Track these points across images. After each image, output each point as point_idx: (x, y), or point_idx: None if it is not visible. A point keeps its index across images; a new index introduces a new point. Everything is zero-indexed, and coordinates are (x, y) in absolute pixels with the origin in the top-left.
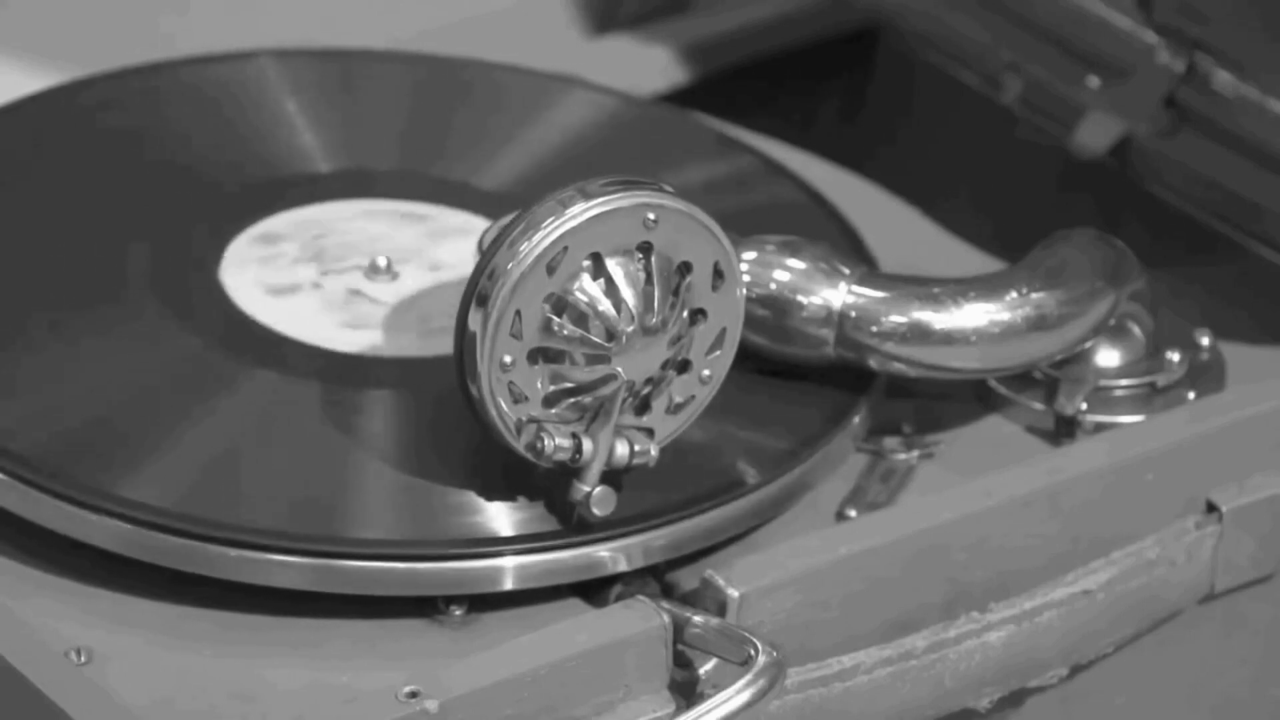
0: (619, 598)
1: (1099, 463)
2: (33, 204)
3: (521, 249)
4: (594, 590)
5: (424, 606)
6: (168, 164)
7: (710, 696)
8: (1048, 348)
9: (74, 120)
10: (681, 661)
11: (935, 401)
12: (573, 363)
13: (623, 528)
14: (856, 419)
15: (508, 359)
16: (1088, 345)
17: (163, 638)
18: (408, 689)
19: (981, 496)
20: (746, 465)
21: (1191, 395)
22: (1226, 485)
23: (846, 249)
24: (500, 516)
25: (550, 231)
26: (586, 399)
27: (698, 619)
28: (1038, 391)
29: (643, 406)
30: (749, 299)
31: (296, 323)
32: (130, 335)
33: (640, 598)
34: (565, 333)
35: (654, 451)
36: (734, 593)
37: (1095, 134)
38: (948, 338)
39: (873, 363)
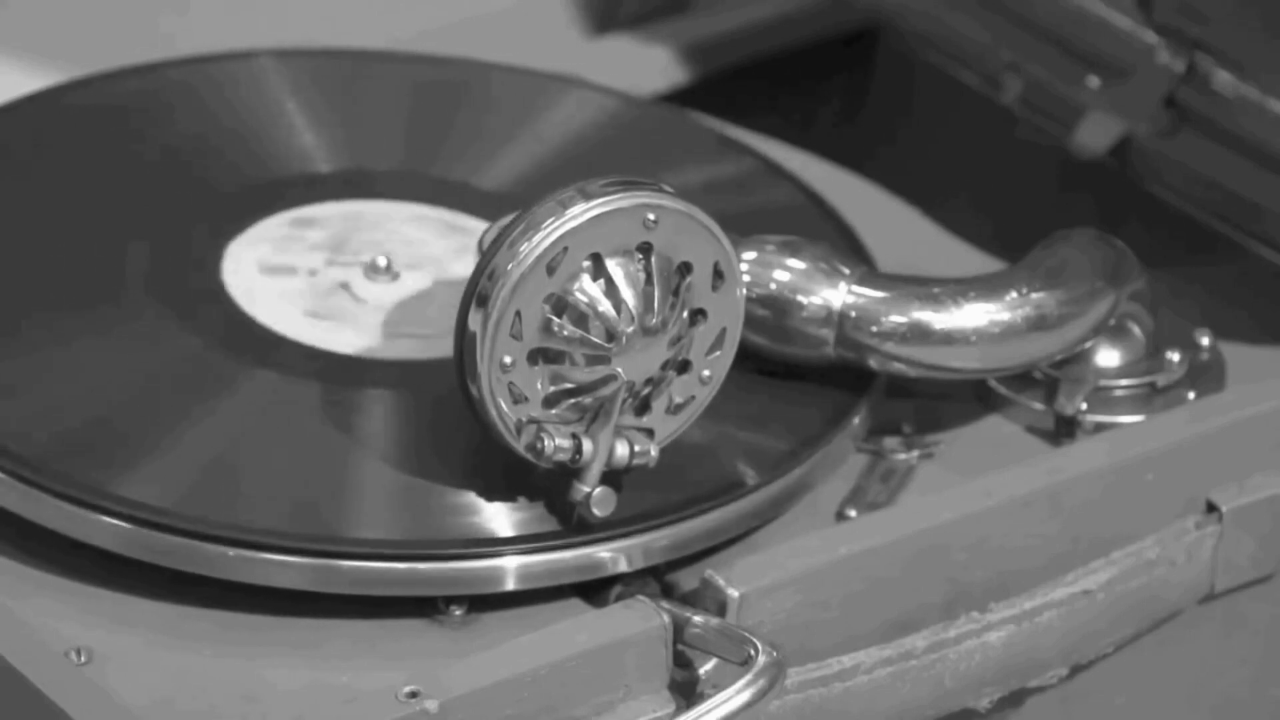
0: (619, 598)
1: (1099, 463)
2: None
3: (521, 249)
4: (594, 590)
5: (424, 606)
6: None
7: (710, 696)
8: (1048, 348)
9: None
10: (681, 661)
11: (935, 401)
12: (573, 363)
13: (623, 528)
14: (856, 419)
15: (508, 359)
16: (1088, 345)
17: (163, 638)
18: (408, 689)
19: (981, 496)
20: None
21: (1191, 395)
22: (1226, 485)
23: (846, 249)
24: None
25: (550, 232)
26: (586, 399)
27: (698, 619)
28: (1038, 391)
29: (643, 407)
30: (749, 299)
31: (263, 303)
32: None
33: (640, 598)
34: (565, 333)
35: (654, 452)
36: (734, 593)
37: (1095, 134)
38: (948, 338)
39: (873, 363)
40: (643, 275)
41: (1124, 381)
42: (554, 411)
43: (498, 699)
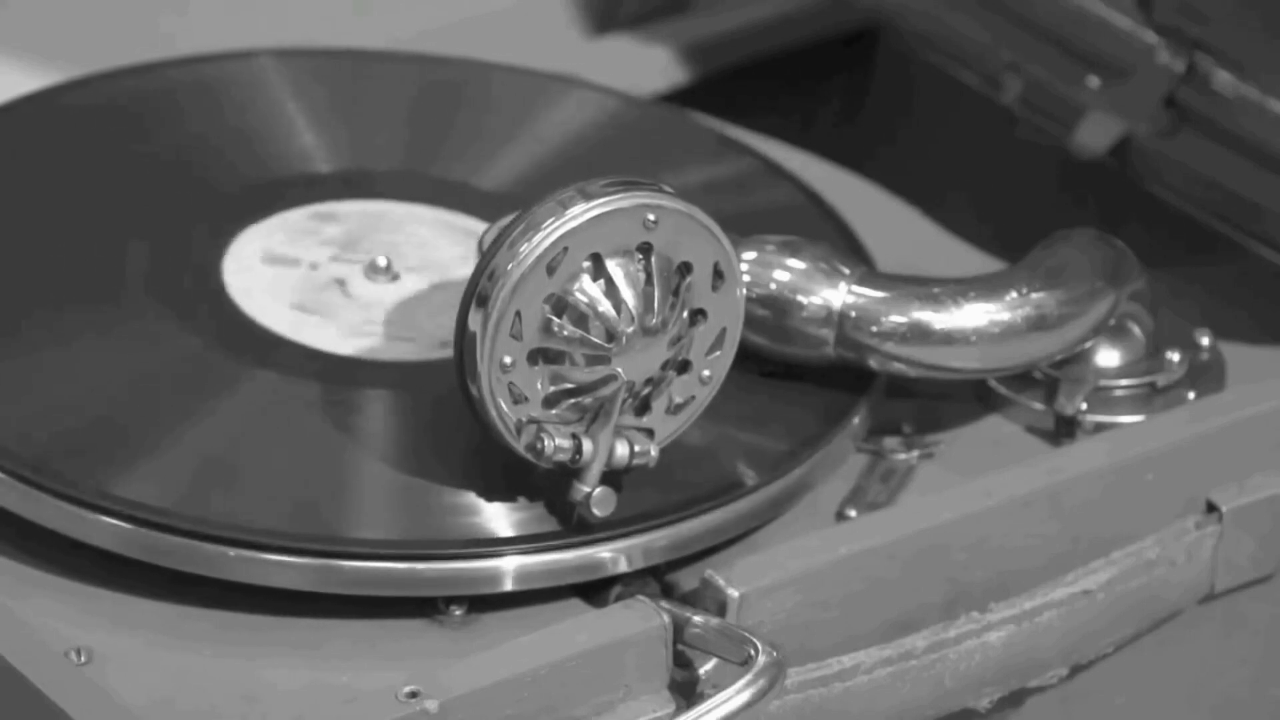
0: (619, 598)
1: (1099, 463)
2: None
3: (521, 250)
4: (594, 590)
5: (424, 606)
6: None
7: (710, 696)
8: (1048, 348)
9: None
10: (681, 661)
11: (935, 401)
12: (573, 363)
13: (623, 528)
14: (856, 419)
15: (508, 360)
16: (1088, 345)
17: (163, 638)
18: (408, 689)
19: (981, 496)
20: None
21: (1191, 395)
22: (1226, 485)
23: (846, 249)
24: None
25: (550, 232)
26: (586, 400)
27: (698, 619)
28: (1038, 391)
29: (643, 407)
30: (749, 299)
31: (252, 291)
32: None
33: (640, 598)
34: (565, 333)
35: (654, 452)
36: (734, 593)
37: (1095, 134)
38: (948, 338)
39: (873, 363)
40: (643, 275)
41: (1124, 381)
42: (554, 411)
43: (498, 699)
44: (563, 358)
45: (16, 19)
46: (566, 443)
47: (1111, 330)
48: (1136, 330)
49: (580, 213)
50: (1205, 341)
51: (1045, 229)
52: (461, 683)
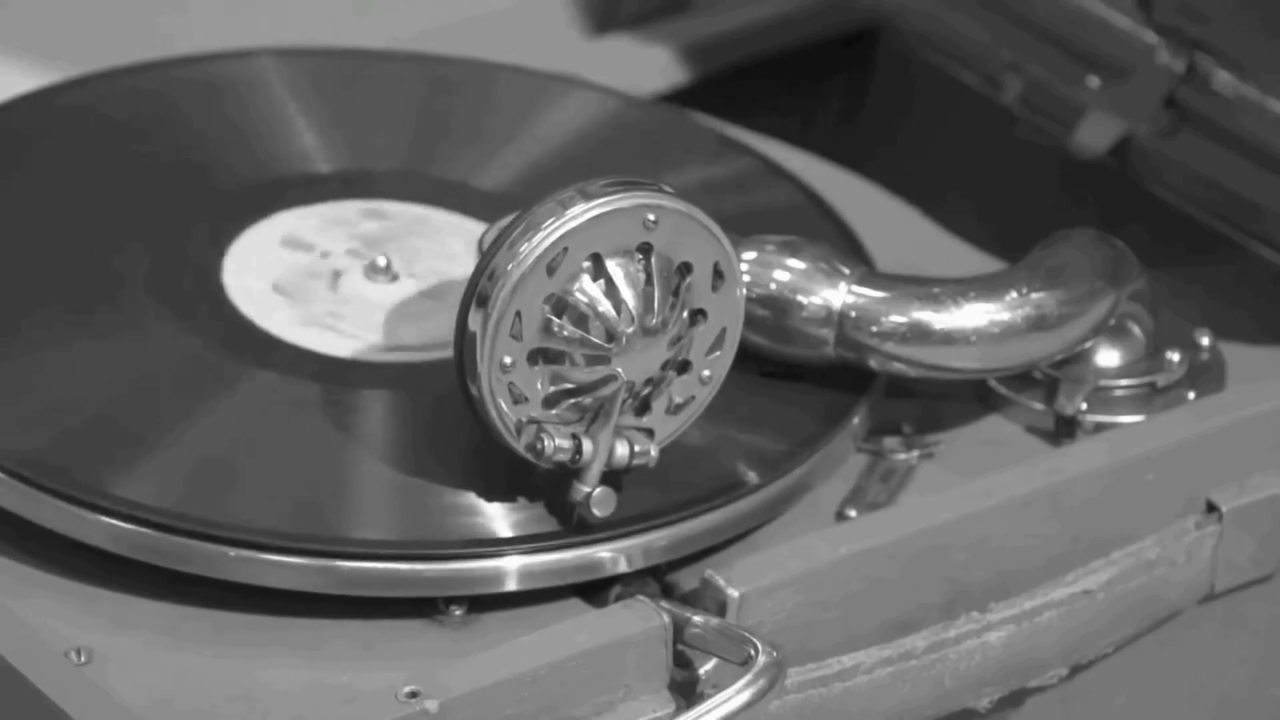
0: (619, 598)
1: (1099, 463)
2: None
3: (521, 250)
4: (594, 590)
5: (424, 607)
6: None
7: (710, 696)
8: (1048, 348)
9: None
10: (681, 661)
11: (935, 401)
12: (573, 363)
13: (623, 528)
14: (856, 419)
15: (508, 360)
16: (1088, 345)
17: (163, 638)
18: (408, 689)
19: (981, 496)
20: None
21: (1191, 395)
22: (1226, 485)
23: (846, 249)
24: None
25: (550, 232)
26: (586, 400)
27: (698, 619)
28: (1038, 391)
29: (643, 407)
30: (749, 299)
31: (245, 267)
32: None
33: (640, 598)
34: (565, 334)
35: (654, 452)
36: (734, 593)
37: (1095, 134)
38: (948, 338)
39: (873, 363)
40: (643, 275)
41: (1124, 381)
42: (554, 412)
43: (498, 699)
44: (563, 358)
45: (16, 19)
46: (566, 443)
47: (1111, 330)
48: (1136, 330)
49: (580, 213)
50: (1205, 341)
51: (1045, 229)
52: (461, 683)
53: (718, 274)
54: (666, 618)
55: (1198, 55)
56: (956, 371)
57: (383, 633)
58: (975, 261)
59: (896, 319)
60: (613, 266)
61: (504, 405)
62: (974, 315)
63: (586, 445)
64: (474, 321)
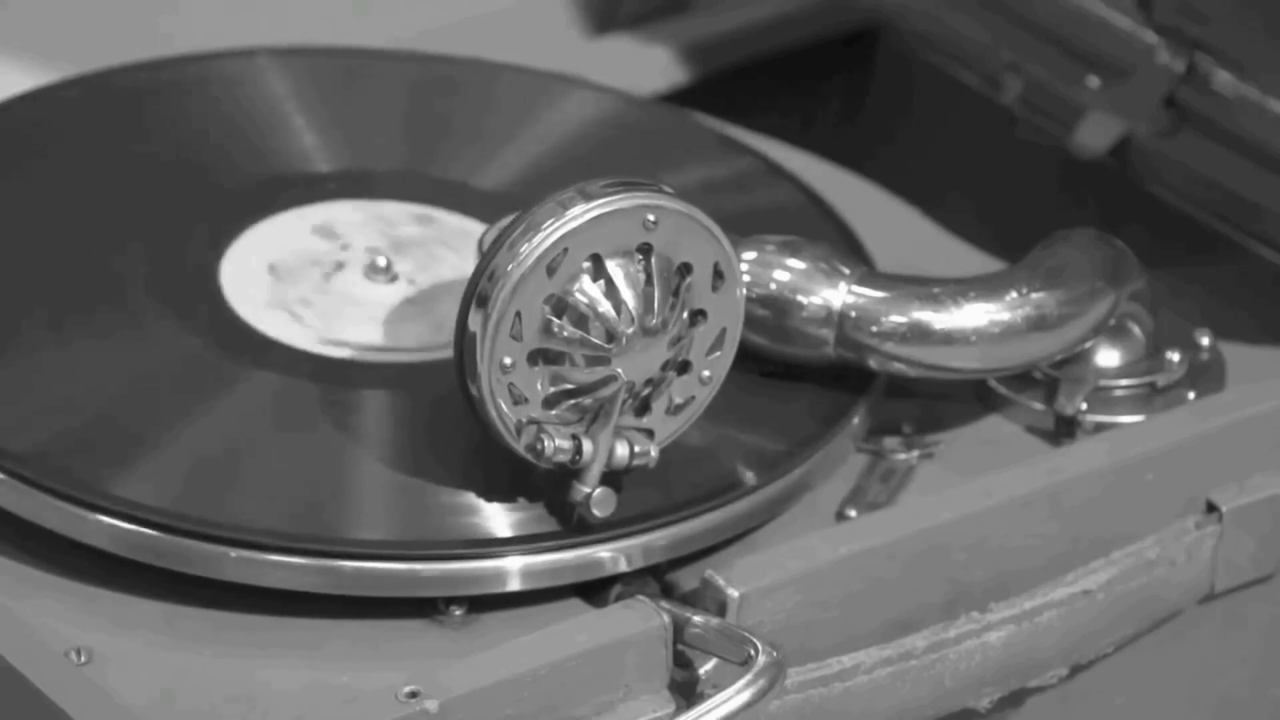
0: (619, 598)
1: (1099, 463)
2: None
3: (521, 250)
4: (594, 590)
5: (424, 606)
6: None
7: (710, 696)
8: (1048, 348)
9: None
10: (681, 661)
11: (935, 401)
12: (573, 364)
13: (623, 528)
14: (856, 419)
15: (508, 360)
16: (1088, 345)
17: (163, 638)
18: (408, 689)
19: (981, 496)
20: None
21: (1191, 395)
22: (1226, 485)
23: (846, 249)
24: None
25: (550, 233)
26: (586, 400)
27: (698, 619)
28: (1038, 391)
29: (643, 408)
30: (749, 299)
31: (261, 246)
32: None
33: (640, 598)
34: (565, 334)
35: (654, 452)
36: (734, 593)
37: (1095, 134)
38: (948, 338)
39: (873, 363)
40: (643, 276)
41: (1124, 381)
42: (554, 412)
43: (498, 699)
44: (563, 358)
45: (16, 19)
46: (566, 443)
47: (1111, 330)
48: (1136, 330)
49: (580, 213)
50: (1205, 341)
51: (1045, 229)
52: (461, 683)
53: (718, 274)
54: (666, 618)
55: (1198, 55)
56: (956, 371)
57: (383, 633)
58: (975, 261)
59: (896, 319)
60: (613, 267)
61: (504, 406)
62: (974, 315)
63: (586, 446)
64: (474, 322)
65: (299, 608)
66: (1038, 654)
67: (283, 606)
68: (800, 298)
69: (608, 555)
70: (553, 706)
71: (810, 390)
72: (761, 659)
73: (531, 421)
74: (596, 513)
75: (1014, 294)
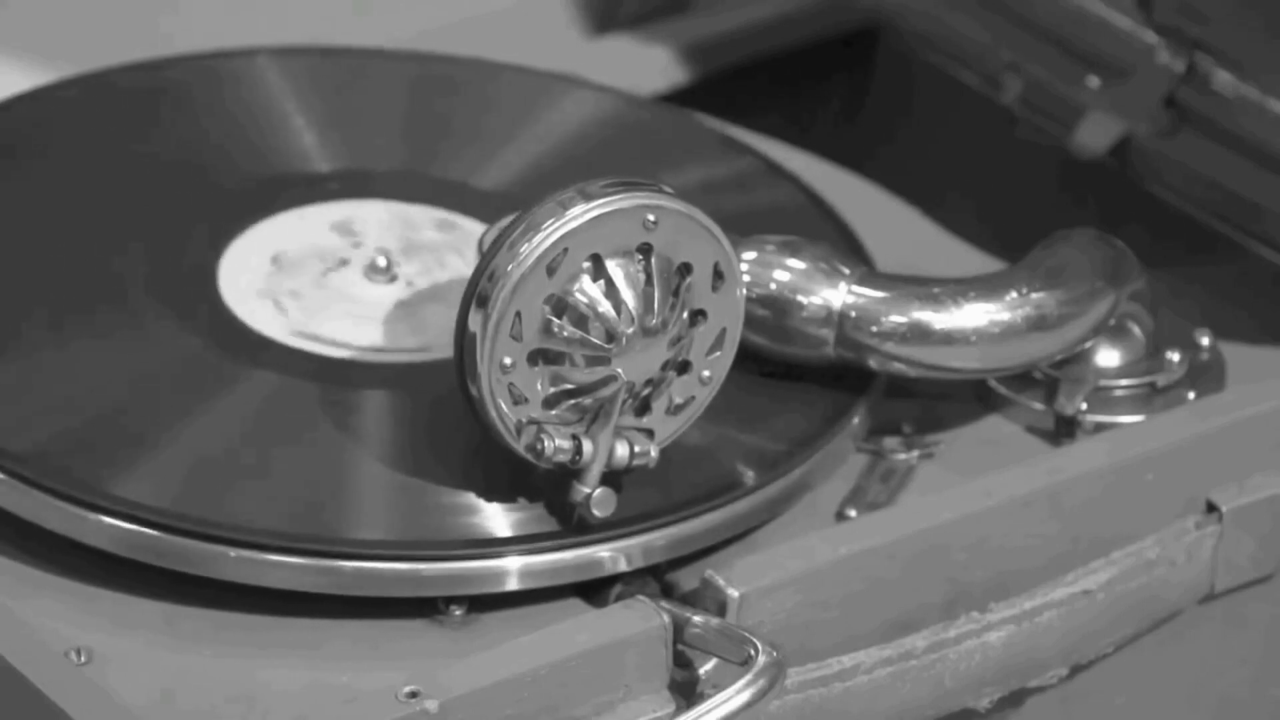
0: (619, 598)
1: (1099, 463)
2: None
3: (521, 250)
4: (594, 590)
5: (424, 606)
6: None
7: (710, 696)
8: (1048, 348)
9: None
10: (681, 661)
11: (935, 401)
12: (573, 364)
13: (623, 528)
14: (856, 419)
15: (508, 360)
16: (1088, 345)
17: (163, 638)
18: (408, 689)
19: (981, 496)
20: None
21: (1191, 395)
22: (1226, 485)
23: (846, 249)
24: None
25: (550, 233)
26: (586, 400)
27: (698, 619)
28: (1038, 391)
29: (643, 408)
30: (749, 299)
31: (271, 237)
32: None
33: (640, 598)
34: (565, 334)
35: (654, 453)
36: (734, 593)
37: (1095, 134)
38: (948, 338)
39: (873, 363)
40: (643, 276)
41: (1124, 381)
42: (554, 412)
43: (498, 699)
44: (563, 358)
45: (16, 19)
46: (566, 443)
47: (1111, 330)
48: (1136, 330)
49: (580, 213)
50: (1205, 341)
51: (1045, 229)
52: (461, 683)
53: (718, 274)
54: (666, 618)
55: (1198, 55)
56: (956, 371)
57: (383, 633)
58: (975, 261)
59: (896, 319)
60: (613, 267)
61: (504, 406)
62: (974, 315)
63: (586, 446)
64: (474, 322)
65: (299, 608)
66: (1038, 654)
67: (283, 606)
68: (800, 298)
69: (608, 555)
70: (553, 706)
71: (810, 390)
72: (761, 659)
73: (531, 421)
74: (596, 513)
75: (1014, 294)
